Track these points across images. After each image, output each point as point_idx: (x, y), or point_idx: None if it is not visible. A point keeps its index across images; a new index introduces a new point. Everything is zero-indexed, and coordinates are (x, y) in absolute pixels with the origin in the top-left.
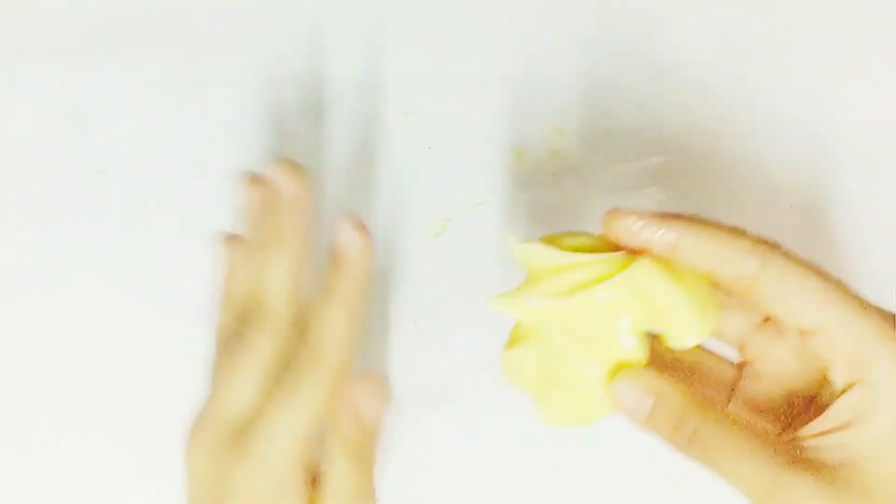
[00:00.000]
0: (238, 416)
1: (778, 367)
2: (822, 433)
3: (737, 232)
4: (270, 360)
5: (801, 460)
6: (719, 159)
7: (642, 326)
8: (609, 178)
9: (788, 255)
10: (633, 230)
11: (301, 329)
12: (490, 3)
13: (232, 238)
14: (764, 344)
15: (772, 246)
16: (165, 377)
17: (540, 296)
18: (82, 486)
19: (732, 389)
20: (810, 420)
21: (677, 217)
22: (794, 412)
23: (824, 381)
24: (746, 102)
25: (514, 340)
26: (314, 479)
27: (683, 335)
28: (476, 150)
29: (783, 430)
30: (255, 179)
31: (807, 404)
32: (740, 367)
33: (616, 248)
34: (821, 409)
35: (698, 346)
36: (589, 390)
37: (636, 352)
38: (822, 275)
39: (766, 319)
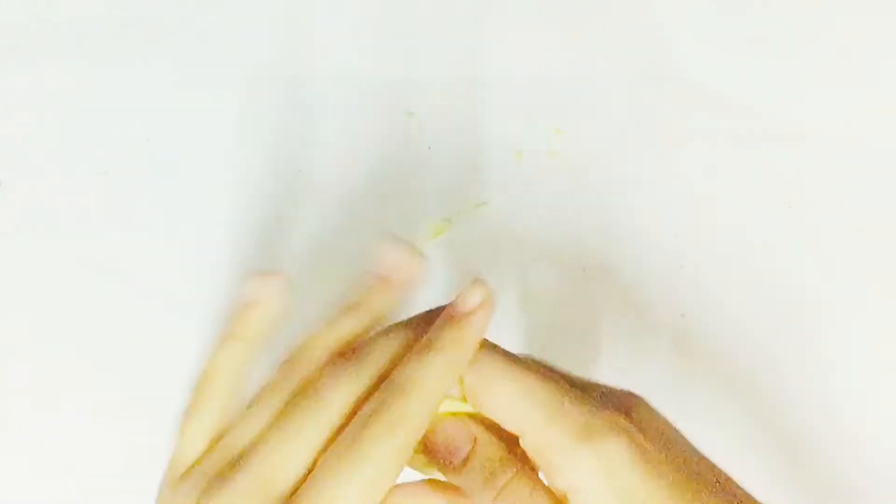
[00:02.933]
0: (279, 482)
1: None
2: None
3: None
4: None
5: None
6: (720, 159)
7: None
8: (607, 178)
9: (499, 355)
10: None
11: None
12: (491, 3)
13: None
14: None
15: (487, 347)
16: (166, 378)
17: None
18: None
19: None
20: None
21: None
22: None
23: None
24: (747, 103)
25: None
26: None
27: None
28: (476, 151)
29: None
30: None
31: None
32: None
33: None
34: None
35: None
36: None
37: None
38: (535, 374)
39: None
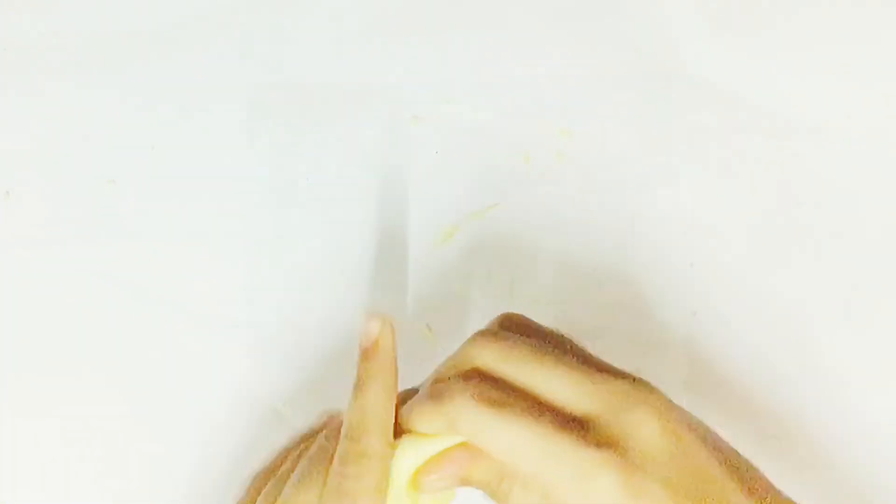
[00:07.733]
0: None
1: None
2: None
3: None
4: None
5: None
6: (730, 157)
7: None
8: (616, 178)
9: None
10: None
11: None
12: (496, 6)
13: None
14: None
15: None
16: (177, 385)
17: None
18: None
19: None
20: None
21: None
22: None
23: None
24: (757, 101)
25: None
26: None
27: None
28: (483, 154)
29: None
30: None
31: None
32: None
33: None
34: None
35: None
36: None
37: None
38: (526, 418)
39: None
